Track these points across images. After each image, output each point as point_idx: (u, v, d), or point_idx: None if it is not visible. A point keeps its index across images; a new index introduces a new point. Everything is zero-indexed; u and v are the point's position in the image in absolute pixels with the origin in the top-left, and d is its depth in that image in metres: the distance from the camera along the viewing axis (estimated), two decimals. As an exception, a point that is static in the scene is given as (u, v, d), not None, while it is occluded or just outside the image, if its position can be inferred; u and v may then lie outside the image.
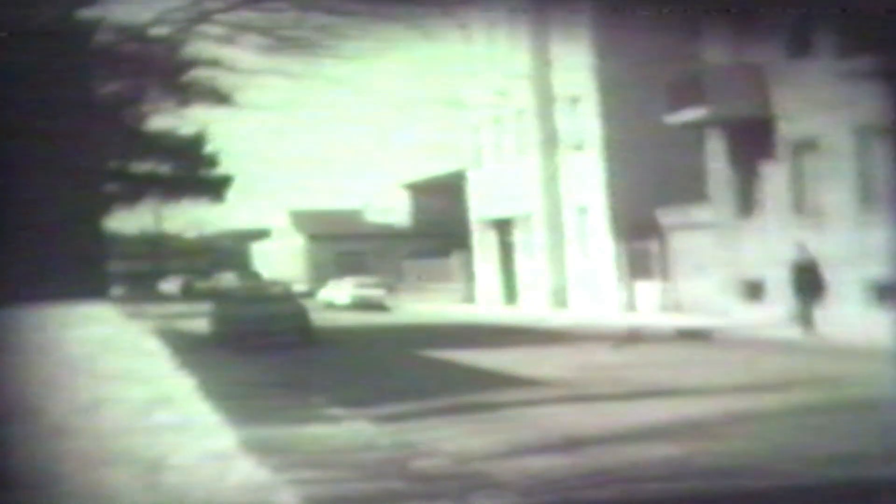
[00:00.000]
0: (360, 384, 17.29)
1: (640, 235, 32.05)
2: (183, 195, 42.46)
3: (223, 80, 22.37)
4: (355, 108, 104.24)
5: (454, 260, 46.63)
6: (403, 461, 9.69)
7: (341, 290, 47.92)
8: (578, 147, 35.29)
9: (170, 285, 65.30)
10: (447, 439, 10.89)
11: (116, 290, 45.22)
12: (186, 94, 24.02)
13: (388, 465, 9.43)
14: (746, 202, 27.27)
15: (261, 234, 73.11)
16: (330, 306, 45.77)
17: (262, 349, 25.44)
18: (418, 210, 59.43)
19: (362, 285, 47.89)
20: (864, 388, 12.72)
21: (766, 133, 25.94)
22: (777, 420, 11.69)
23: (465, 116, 43.15)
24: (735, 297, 27.50)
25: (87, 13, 18.60)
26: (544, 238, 37.20)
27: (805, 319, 22.04)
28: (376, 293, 47.04)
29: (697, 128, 28.42)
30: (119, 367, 13.69)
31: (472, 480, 8.93)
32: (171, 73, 22.17)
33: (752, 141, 26.48)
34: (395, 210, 62.38)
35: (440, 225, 52.63)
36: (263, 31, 19.31)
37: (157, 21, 19.56)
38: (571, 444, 10.52)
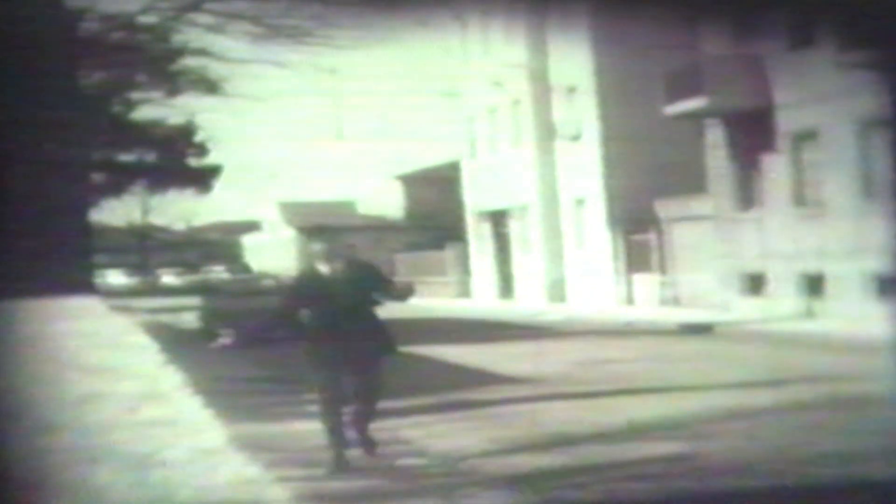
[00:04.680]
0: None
1: (639, 228, 31.84)
2: (170, 185, 42.27)
3: (213, 69, 22.13)
4: (347, 98, 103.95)
5: (449, 253, 46.35)
6: (394, 458, 9.55)
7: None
8: (575, 138, 35.03)
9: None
10: (438, 436, 10.72)
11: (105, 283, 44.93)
12: (175, 83, 23.76)
13: (379, 461, 9.25)
14: (746, 194, 27.06)
15: (251, 227, 72.84)
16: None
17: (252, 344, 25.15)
18: (412, 202, 59.10)
19: None
20: (865, 383, 12.51)
21: (766, 124, 25.73)
22: (778, 416, 11.46)
23: (459, 106, 42.88)
24: (735, 290, 27.28)
25: (73, 1, 18.31)
26: (541, 230, 36.94)
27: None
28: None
29: (696, 119, 28.23)
30: (106, 361, 13.35)
31: (462, 478, 8.79)
32: (159, 63, 21.90)
33: (752, 132, 26.26)
34: (387, 202, 62.07)
35: (434, 217, 52.28)
36: (254, 19, 19.06)
37: (146, 9, 19.30)
38: (564, 441, 10.35)
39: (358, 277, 9.28)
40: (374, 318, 9.27)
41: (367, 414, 9.24)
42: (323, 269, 9.28)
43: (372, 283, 9.33)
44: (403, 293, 10.01)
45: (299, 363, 9.72)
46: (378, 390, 9.24)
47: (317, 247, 9.34)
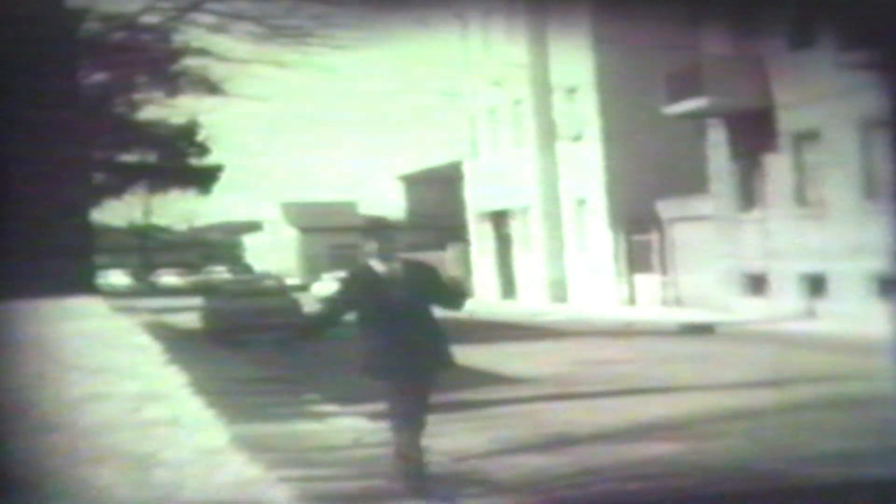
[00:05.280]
0: (353, 380, 17.04)
1: (640, 228, 31.82)
2: (172, 185, 42.36)
3: (214, 69, 22.17)
4: (349, 98, 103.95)
5: (450, 253, 46.32)
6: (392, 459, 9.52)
7: (335, 284, 47.47)
8: (577, 138, 35.02)
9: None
10: (440, 436, 10.71)
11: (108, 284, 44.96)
12: (176, 83, 23.80)
13: (381, 461, 9.24)
14: (747, 194, 27.05)
15: (252, 227, 72.82)
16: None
17: (254, 344, 25.16)
18: (413, 202, 59.06)
19: None
20: (867, 383, 12.50)
21: (767, 124, 25.72)
22: (779, 416, 11.48)
23: (460, 106, 42.85)
24: (736, 290, 27.26)
25: (74, 1, 18.31)
26: (542, 231, 36.93)
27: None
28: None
29: (697, 119, 28.21)
30: (108, 362, 13.37)
31: (464, 478, 8.82)
32: (160, 63, 21.93)
33: (753, 132, 26.25)
34: (389, 202, 62.05)
35: (436, 217, 52.25)
36: (256, 19, 19.07)
37: (147, 9, 19.32)
38: (565, 441, 10.38)
39: (416, 279, 8.38)
40: (433, 324, 8.34)
41: (411, 424, 8.34)
42: (378, 267, 8.44)
43: (431, 285, 8.41)
44: (458, 297, 8.65)
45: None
46: (426, 404, 8.37)
47: (373, 244, 8.45)
